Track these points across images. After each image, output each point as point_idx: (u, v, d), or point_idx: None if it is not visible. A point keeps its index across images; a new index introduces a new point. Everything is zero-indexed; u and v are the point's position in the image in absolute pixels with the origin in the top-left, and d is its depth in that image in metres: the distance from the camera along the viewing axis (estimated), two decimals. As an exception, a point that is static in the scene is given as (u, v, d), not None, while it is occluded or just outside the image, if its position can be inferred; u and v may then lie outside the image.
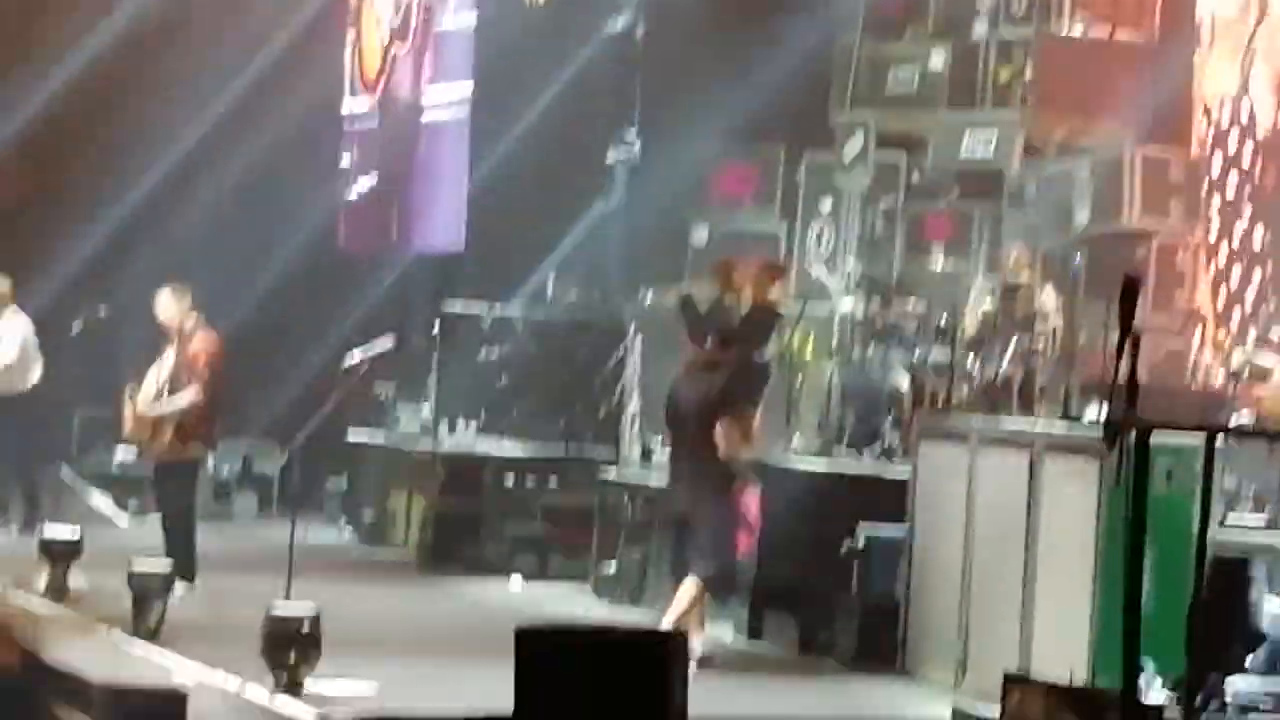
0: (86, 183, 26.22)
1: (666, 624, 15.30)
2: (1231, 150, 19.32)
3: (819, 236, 22.14)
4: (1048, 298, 18.15)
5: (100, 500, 18.69)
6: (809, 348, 20.16)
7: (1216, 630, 12.81)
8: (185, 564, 16.91)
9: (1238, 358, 16.59)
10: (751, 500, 16.66)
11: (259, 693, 13.22)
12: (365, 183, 27.31)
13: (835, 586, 16.53)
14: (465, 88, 25.27)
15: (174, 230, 25.76)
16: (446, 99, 25.70)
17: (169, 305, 17.82)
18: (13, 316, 20.53)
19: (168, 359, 17.70)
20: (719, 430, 15.87)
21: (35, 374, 20.48)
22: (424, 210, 26.22)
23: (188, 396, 17.58)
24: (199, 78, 26.27)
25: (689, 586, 15.62)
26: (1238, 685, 13.08)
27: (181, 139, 26.27)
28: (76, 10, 25.58)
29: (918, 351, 18.70)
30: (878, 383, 18.75)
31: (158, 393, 17.59)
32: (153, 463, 18.15)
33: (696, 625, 15.65)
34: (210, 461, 24.46)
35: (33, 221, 25.47)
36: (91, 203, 26.00)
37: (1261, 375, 16.25)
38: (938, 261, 20.39)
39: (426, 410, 22.83)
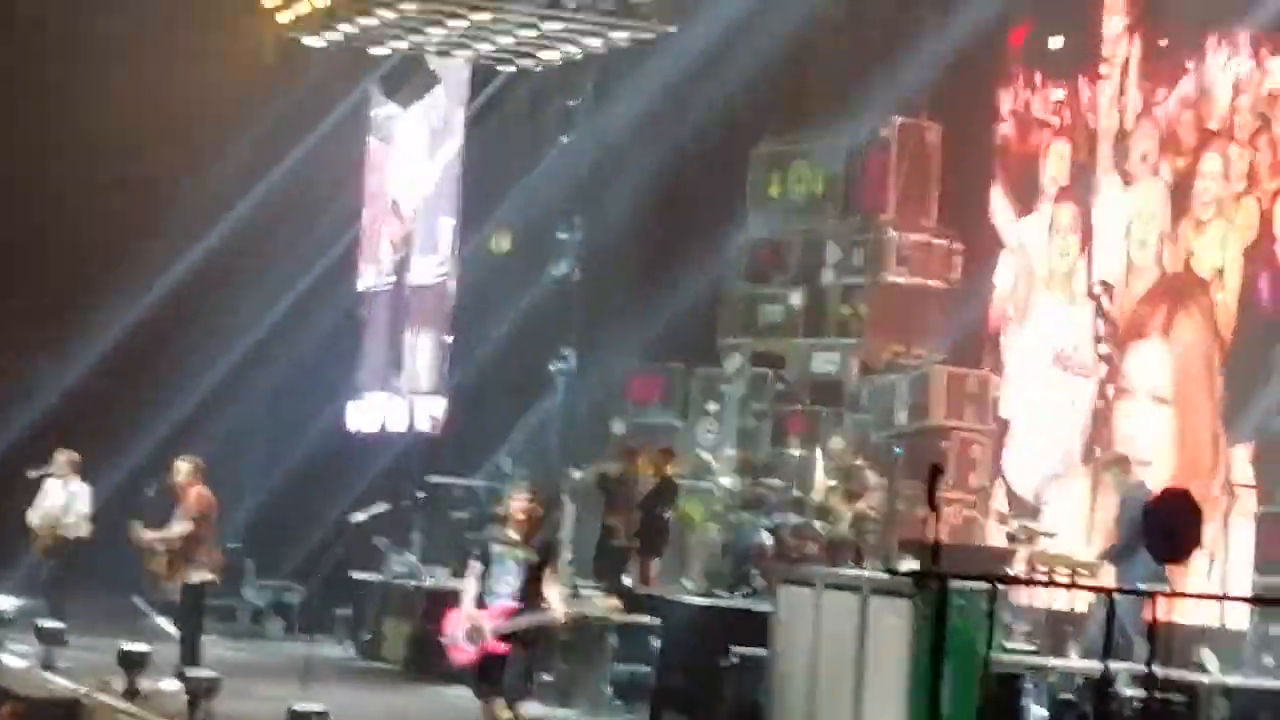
0: (159, 385, 26.26)
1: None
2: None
3: (707, 430, 22.26)
4: (872, 477, 18.29)
5: (163, 622, 18.56)
6: (698, 513, 20.22)
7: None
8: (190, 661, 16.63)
9: (1014, 524, 16.73)
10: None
11: (282, 772, 13.17)
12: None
13: (717, 694, 16.39)
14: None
15: (224, 421, 25.77)
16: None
17: (179, 468, 17.67)
18: (79, 483, 20.29)
19: (178, 512, 17.53)
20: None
21: (86, 528, 20.19)
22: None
23: (178, 528, 17.33)
24: (246, 304, 26.45)
25: None
26: (1014, 772, 13.13)
27: (227, 355, 26.38)
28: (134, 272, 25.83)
29: (778, 517, 18.76)
30: (748, 540, 18.76)
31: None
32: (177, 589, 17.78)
33: None
34: (249, 595, 24.42)
35: (119, 416, 25.44)
36: (160, 405, 26.01)
37: (1030, 537, 16.38)
38: (795, 449, 20.48)
39: (412, 557, 22.79)
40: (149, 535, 17.28)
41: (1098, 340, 18.96)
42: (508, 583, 13.65)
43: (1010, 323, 20.15)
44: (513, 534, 13.79)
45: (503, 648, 13.55)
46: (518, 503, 13.86)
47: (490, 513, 21.74)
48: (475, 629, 13.62)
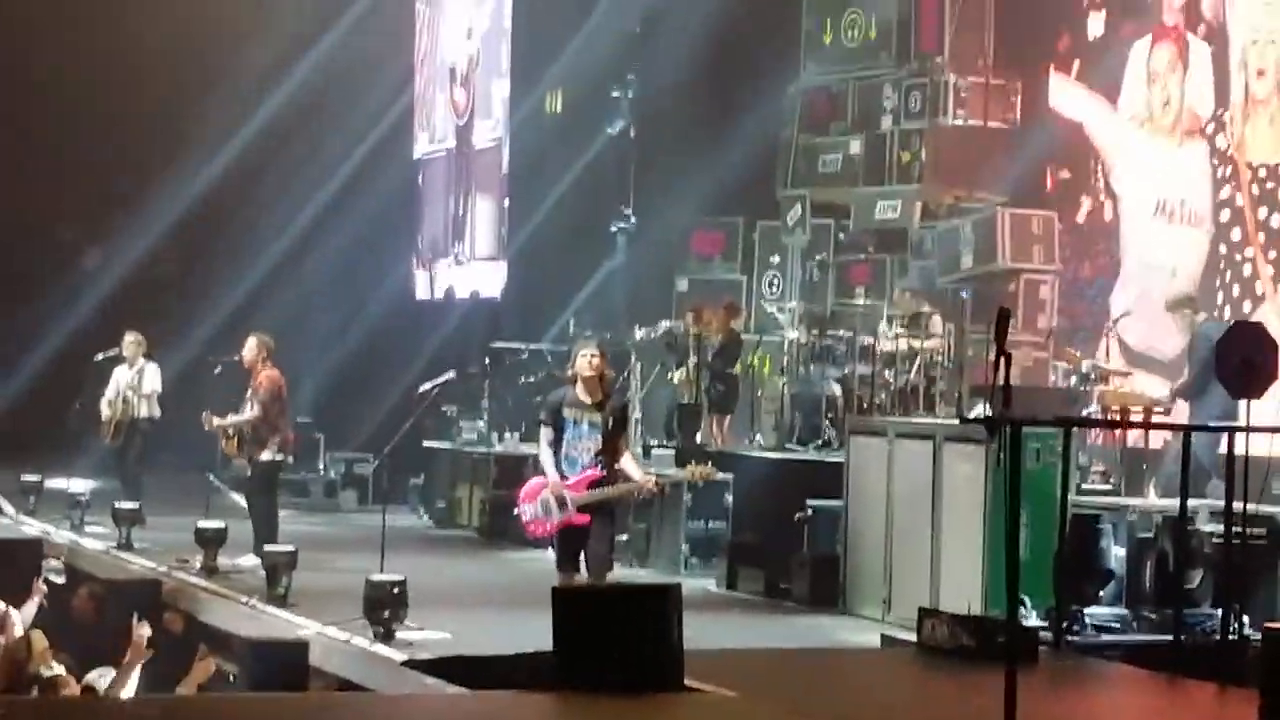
0: (222, 263, 26.35)
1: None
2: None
3: (771, 283, 22.19)
4: (939, 323, 18.19)
5: (238, 498, 18.64)
6: (766, 367, 20.20)
7: (1076, 572, 12.82)
8: (266, 536, 16.71)
9: (1086, 365, 16.63)
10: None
11: (362, 641, 13.15)
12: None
13: (790, 546, 16.45)
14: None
15: (287, 296, 25.84)
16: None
17: (247, 344, 17.64)
18: (147, 363, 20.31)
19: (248, 394, 17.53)
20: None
21: (156, 408, 20.23)
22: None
23: (248, 413, 17.33)
24: (303, 177, 26.43)
25: None
26: (1094, 613, 13.10)
27: (287, 230, 26.44)
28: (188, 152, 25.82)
29: (847, 368, 18.72)
30: (818, 392, 18.74)
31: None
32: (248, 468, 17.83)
33: None
34: (322, 467, 24.58)
35: (183, 297, 25.55)
36: (226, 277, 26.12)
37: (1104, 377, 16.29)
38: (860, 299, 20.39)
39: (481, 423, 22.87)
40: (219, 421, 17.35)
41: (1216, 184, 18.16)
42: (586, 449, 13.10)
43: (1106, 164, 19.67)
44: (584, 396, 13.12)
45: (585, 518, 13.08)
46: (585, 360, 13.06)
47: (556, 375, 21.78)
48: (559, 499, 13.12)
